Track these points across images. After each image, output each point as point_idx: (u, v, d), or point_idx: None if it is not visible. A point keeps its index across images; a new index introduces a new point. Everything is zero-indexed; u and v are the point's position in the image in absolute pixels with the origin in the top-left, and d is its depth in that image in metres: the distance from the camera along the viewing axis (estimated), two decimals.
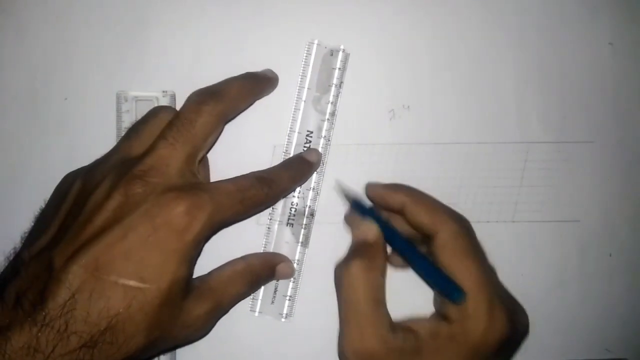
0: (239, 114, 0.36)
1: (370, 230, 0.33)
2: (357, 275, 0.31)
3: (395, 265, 0.37)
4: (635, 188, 0.40)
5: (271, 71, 0.38)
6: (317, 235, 0.38)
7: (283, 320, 0.38)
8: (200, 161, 0.33)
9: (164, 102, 0.37)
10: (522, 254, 0.39)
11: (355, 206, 0.36)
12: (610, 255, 0.40)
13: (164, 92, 0.37)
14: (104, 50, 0.38)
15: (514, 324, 0.31)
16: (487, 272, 0.31)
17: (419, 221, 0.33)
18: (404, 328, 0.31)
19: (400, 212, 0.34)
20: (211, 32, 0.38)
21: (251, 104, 0.37)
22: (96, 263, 0.27)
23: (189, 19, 0.38)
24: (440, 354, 0.30)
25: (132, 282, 0.28)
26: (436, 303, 0.34)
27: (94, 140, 0.37)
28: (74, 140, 0.38)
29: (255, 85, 0.36)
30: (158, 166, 0.30)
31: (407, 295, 0.34)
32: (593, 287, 0.40)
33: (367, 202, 0.36)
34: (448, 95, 0.39)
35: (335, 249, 0.36)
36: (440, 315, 0.32)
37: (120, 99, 0.37)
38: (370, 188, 0.35)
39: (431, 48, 0.40)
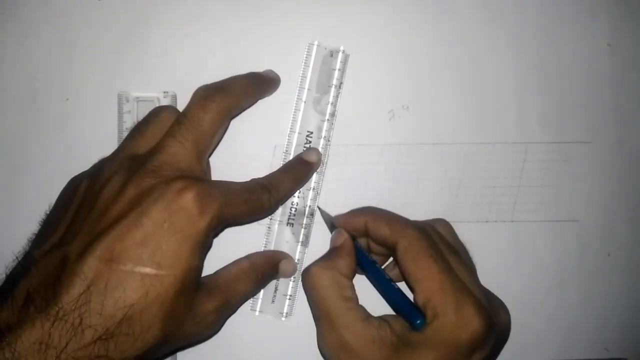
0: (242, 111, 0.36)
1: (340, 236, 0.34)
2: (317, 274, 0.32)
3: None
4: (633, 188, 0.40)
5: (273, 72, 0.38)
6: (317, 235, 0.38)
7: (283, 319, 0.38)
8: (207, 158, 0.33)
9: (165, 102, 0.37)
10: (521, 253, 0.39)
11: (333, 228, 0.36)
12: (609, 254, 0.40)
13: (165, 92, 0.37)
14: (105, 51, 0.38)
15: (489, 320, 0.30)
16: (454, 270, 0.31)
17: (380, 235, 0.33)
18: (380, 320, 0.31)
19: (365, 233, 0.34)
20: (212, 33, 0.39)
21: (254, 103, 0.37)
22: (111, 253, 0.27)
23: (189, 19, 0.39)
24: (412, 348, 0.30)
25: (148, 270, 0.27)
26: None
27: (95, 141, 0.37)
28: (75, 140, 0.38)
29: (259, 83, 0.37)
30: (170, 162, 0.30)
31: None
32: (592, 286, 0.40)
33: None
34: (447, 95, 0.40)
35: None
36: None
37: (121, 99, 0.37)
38: (337, 219, 0.36)
39: (431, 49, 0.40)
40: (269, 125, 0.38)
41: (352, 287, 0.33)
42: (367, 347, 0.30)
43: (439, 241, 0.33)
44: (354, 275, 0.34)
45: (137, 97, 0.37)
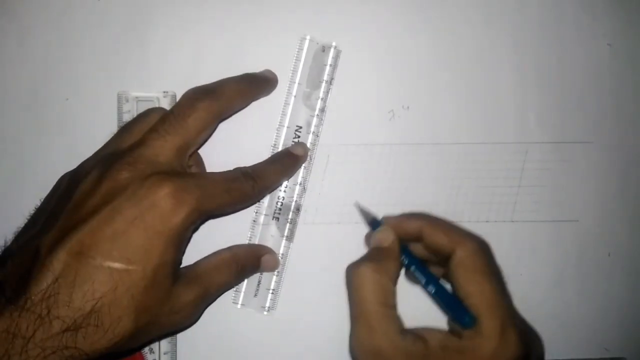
0: (234, 113, 0.36)
1: (387, 236, 0.33)
2: (365, 275, 0.31)
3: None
4: (633, 188, 0.40)
5: (270, 72, 0.38)
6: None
7: (265, 313, 0.38)
8: (190, 156, 0.33)
9: (165, 102, 0.37)
10: (521, 253, 0.39)
11: (374, 225, 0.35)
12: (609, 254, 0.40)
13: (164, 92, 0.37)
14: (105, 50, 0.38)
15: (527, 350, 0.30)
16: (503, 293, 0.31)
17: (436, 242, 0.32)
18: (415, 333, 0.31)
19: (417, 237, 0.33)
20: (211, 32, 0.39)
21: (248, 105, 0.37)
22: (81, 246, 0.28)
23: (189, 19, 0.39)
24: None
25: (117, 265, 0.28)
26: (450, 322, 0.34)
27: (95, 141, 0.37)
28: (75, 140, 0.38)
29: (252, 86, 0.37)
30: (147, 155, 0.30)
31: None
32: (592, 286, 0.40)
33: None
34: (448, 95, 0.40)
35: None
36: (453, 331, 0.32)
37: (121, 99, 0.37)
38: (387, 219, 0.35)
39: (431, 49, 0.40)
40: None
41: (395, 294, 0.32)
42: (400, 358, 0.29)
43: (494, 260, 0.32)
44: (397, 280, 0.33)
45: (137, 97, 0.37)
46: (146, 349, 0.36)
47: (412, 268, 0.33)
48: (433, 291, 0.32)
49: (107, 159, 0.31)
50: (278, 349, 0.38)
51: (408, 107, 0.39)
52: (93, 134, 0.38)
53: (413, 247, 0.34)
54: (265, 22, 0.39)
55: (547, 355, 0.39)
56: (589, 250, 0.40)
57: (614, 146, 0.40)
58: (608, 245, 0.40)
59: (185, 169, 0.33)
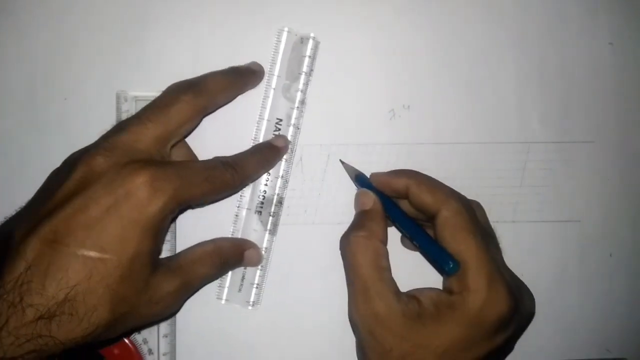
0: (219, 107, 0.36)
1: (368, 198, 0.34)
2: (357, 243, 0.33)
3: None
4: (635, 188, 0.40)
5: (256, 64, 0.38)
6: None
7: (250, 308, 0.38)
8: (174, 147, 0.33)
9: None
10: (523, 254, 0.39)
11: (359, 181, 0.36)
12: (611, 255, 0.40)
13: None
14: (104, 50, 0.38)
15: (516, 302, 0.31)
16: (489, 249, 0.32)
17: (422, 201, 0.33)
18: (408, 295, 0.32)
19: (404, 195, 0.34)
20: (211, 32, 0.38)
21: (234, 98, 0.37)
22: (54, 234, 0.27)
23: (188, 19, 0.38)
24: (440, 321, 0.30)
25: (92, 253, 0.27)
26: (443, 282, 0.35)
27: (94, 140, 0.37)
28: (74, 140, 0.37)
29: (238, 79, 0.36)
30: (126, 141, 0.30)
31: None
32: (594, 287, 0.40)
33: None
34: (449, 95, 0.39)
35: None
36: (445, 289, 0.33)
37: (120, 98, 0.37)
38: (374, 176, 0.36)
39: (432, 48, 0.39)
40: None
41: (387, 255, 0.33)
42: (397, 319, 0.30)
43: (479, 218, 0.33)
44: (387, 239, 0.34)
45: (136, 97, 0.37)
46: (145, 350, 0.36)
47: (398, 222, 0.34)
48: (417, 244, 0.33)
49: (88, 147, 0.31)
50: (277, 346, 0.38)
51: (409, 107, 0.39)
52: (92, 133, 0.37)
53: (402, 204, 0.35)
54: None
55: (547, 357, 0.39)
56: (591, 251, 0.40)
57: (616, 146, 0.40)
58: (610, 245, 0.40)
59: (165, 158, 0.32)
